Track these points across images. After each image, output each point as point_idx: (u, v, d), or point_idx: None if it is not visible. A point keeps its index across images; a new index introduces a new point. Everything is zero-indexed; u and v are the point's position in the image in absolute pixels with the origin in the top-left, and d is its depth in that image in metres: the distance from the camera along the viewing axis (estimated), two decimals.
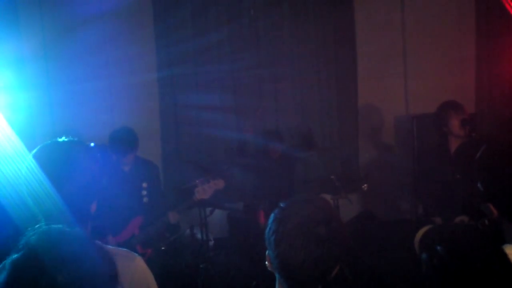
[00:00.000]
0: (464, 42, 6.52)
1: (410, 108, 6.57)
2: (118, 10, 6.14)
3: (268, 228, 1.68)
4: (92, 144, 5.02)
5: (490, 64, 6.36)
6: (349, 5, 6.48)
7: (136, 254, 1.97)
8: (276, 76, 6.48)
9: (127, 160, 4.45)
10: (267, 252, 1.71)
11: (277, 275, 1.71)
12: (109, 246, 1.83)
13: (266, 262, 1.72)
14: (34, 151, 1.88)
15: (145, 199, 4.44)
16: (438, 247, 1.44)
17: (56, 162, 1.84)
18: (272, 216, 1.70)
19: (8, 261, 1.28)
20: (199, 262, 5.16)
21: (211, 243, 5.58)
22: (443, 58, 6.46)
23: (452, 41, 6.49)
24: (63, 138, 1.96)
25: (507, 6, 4.72)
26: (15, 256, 1.28)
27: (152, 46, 6.32)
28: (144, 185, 4.43)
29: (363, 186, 5.35)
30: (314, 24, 6.47)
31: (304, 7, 6.43)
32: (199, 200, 4.40)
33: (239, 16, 6.37)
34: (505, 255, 1.44)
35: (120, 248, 1.95)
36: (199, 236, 5.43)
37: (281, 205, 1.71)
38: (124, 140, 4.40)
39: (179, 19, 6.28)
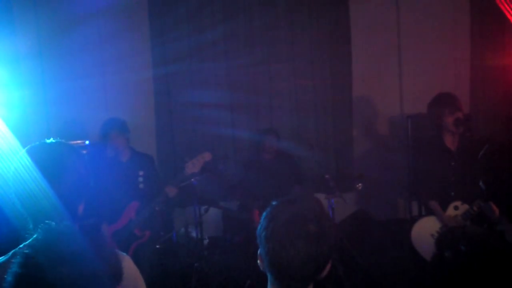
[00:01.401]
0: (459, 42, 6.55)
1: (404, 107, 6.59)
2: (113, 8, 6.13)
3: (259, 226, 1.70)
4: (87, 142, 5.07)
5: (484, 65, 6.38)
6: (344, 5, 6.49)
7: (125, 254, 1.98)
8: (271, 75, 6.48)
9: (118, 142, 4.70)
10: (259, 251, 1.72)
11: (268, 275, 1.72)
12: None
13: (258, 261, 1.73)
14: (22, 152, 1.88)
15: (141, 185, 4.70)
16: (463, 247, 1.45)
17: (45, 163, 1.84)
18: (264, 214, 1.72)
19: (12, 264, 1.30)
20: (193, 261, 5.16)
21: (206, 241, 5.59)
22: (438, 58, 6.48)
23: (447, 41, 6.51)
24: (51, 140, 1.96)
25: (501, 7, 4.74)
26: (17, 260, 1.29)
27: (147, 44, 6.31)
28: (141, 173, 4.71)
29: (357, 185, 5.35)
30: (309, 23, 6.47)
31: (300, 5, 6.43)
32: (190, 174, 4.58)
33: (234, 14, 6.36)
34: None
35: None
36: (193, 234, 5.43)
37: (273, 203, 1.73)
38: (114, 122, 4.78)
39: (174, 17, 6.28)
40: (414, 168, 5.05)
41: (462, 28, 6.54)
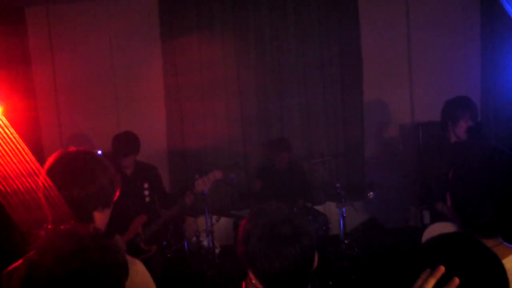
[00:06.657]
0: (469, 49, 6.52)
1: (415, 115, 6.57)
2: (125, 18, 6.21)
3: (240, 251, 1.71)
4: (99, 152, 5.08)
5: (495, 72, 6.35)
6: (354, 13, 6.49)
7: (136, 259, 2.00)
8: (281, 83, 6.48)
9: (128, 161, 4.59)
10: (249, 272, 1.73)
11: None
12: None
13: (252, 281, 1.73)
14: (52, 158, 1.93)
15: (147, 199, 4.62)
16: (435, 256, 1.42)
17: (71, 169, 1.90)
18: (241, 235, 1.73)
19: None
20: (205, 270, 5.17)
21: (217, 250, 5.59)
22: (448, 65, 6.46)
23: (457, 48, 6.49)
24: (79, 149, 2.03)
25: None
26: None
27: (158, 53, 6.36)
28: (145, 185, 4.60)
29: (368, 194, 5.34)
30: (319, 32, 6.47)
31: (309, 14, 6.45)
32: (199, 192, 4.55)
33: (244, 24, 6.39)
34: (503, 270, 1.39)
35: None
36: (205, 243, 5.44)
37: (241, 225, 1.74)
38: (126, 141, 4.59)
39: (185, 27, 6.32)
40: (422, 174, 5.00)
41: (473, 35, 6.51)
